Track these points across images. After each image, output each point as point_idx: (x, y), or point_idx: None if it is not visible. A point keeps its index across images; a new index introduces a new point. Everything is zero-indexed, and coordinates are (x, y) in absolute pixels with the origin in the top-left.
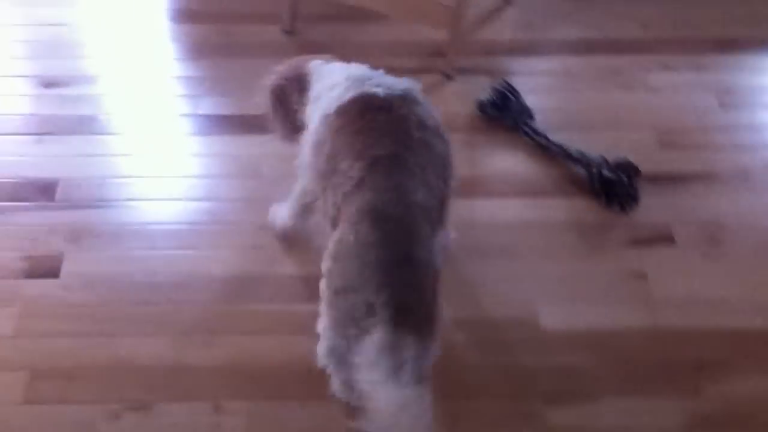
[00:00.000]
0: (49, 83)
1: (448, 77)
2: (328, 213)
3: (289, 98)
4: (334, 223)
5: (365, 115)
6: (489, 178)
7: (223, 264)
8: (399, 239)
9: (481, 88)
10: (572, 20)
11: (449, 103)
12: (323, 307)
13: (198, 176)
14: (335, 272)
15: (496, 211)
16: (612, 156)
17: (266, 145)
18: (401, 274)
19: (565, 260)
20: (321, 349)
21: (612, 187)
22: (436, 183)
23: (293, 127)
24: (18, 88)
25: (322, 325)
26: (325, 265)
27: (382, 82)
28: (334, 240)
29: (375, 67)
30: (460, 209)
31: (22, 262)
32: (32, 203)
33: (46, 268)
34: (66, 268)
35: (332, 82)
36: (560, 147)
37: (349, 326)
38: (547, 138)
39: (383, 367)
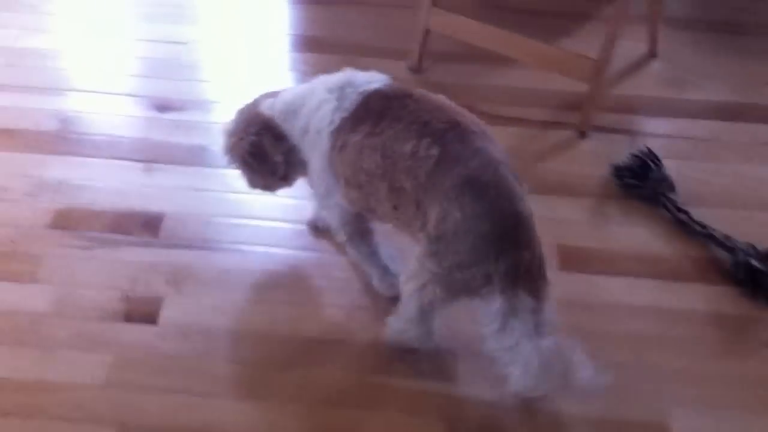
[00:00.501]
0: (162, 106)
1: (582, 134)
2: (384, 209)
3: (267, 151)
4: (418, 205)
5: (392, 104)
6: (619, 253)
7: (327, 324)
8: (503, 204)
9: (617, 150)
10: (722, 80)
11: (581, 163)
12: (415, 285)
13: None
14: (445, 251)
15: (624, 292)
16: (761, 243)
17: None
18: (514, 238)
19: (701, 357)
20: (409, 310)
21: (760, 278)
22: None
23: (284, 175)
24: (130, 109)
25: (410, 290)
26: (428, 248)
27: (367, 80)
28: (435, 220)
29: (500, 117)
30: (579, 285)
31: (120, 303)
32: (135, 238)
33: (144, 313)
34: (164, 314)
35: (315, 103)
36: (703, 226)
37: (462, 297)
38: (688, 214)
39: (515, 331)
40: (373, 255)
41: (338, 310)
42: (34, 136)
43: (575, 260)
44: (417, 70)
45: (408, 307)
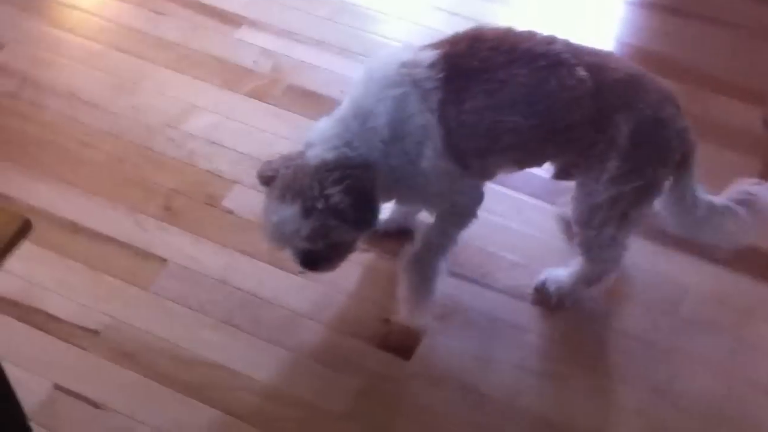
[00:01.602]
0: None
1: None
2: (548, 153)
3: (366, 189)
4: (597, 128)
5: (473, 57)
6: None
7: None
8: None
9: None
10: None
11: None
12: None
13: None
14: (647, 157)
15: None
16: None
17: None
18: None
19: None
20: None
21: None
22: None
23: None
24: None
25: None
26: (622, 164)
27: (408, 54)
28: (628, 131)
29: None
30: None
31: (379, 324)
32: None
33: (400, 344)
34: (420, 351)
35: (390, 106)
36: None
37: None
38: None
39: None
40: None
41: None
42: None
43: None
44: None
45: (613, 253)
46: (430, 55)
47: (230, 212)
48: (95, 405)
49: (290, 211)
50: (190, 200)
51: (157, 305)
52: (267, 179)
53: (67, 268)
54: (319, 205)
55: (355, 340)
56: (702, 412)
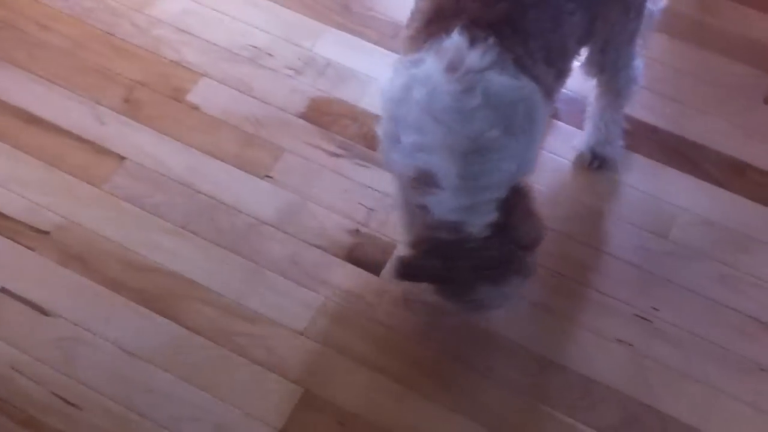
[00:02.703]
0: None
1: None
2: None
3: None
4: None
5: None
6: None
7: None
8: None
9: None
10: None
11: None
12: None
13: None
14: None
15: None
16: None
17: None
18: None
19: None
20: None
21: None
22: None
23: None
24: None
25: None
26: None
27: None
28: None
29: None
30: None
31: (348, 236)
32: None
33: (371, 258)
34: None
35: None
36: None
37: None
38: None
39: None
40: None
41: None
42: None
43: None
44: None
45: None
46: (459, 40)
47: (196, 108)
48: (42, 311)
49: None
50: (153, 93)
51: (112, 206)
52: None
53: (18, 161)
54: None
55: (320, 252)
56: (687, 341)
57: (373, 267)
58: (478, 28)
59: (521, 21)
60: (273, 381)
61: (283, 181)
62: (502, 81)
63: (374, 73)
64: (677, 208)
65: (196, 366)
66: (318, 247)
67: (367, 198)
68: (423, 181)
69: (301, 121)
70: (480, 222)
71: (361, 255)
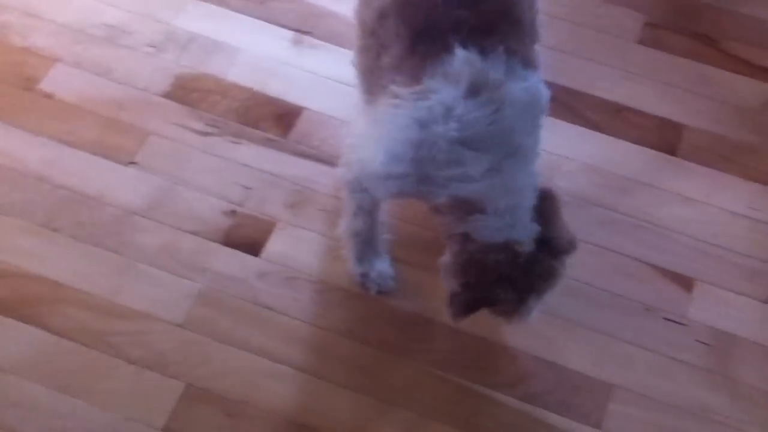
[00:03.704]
0: None
1: None
2: None
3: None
4: None
5: None
6: None
7: None
8: None
9: None
10: None
11: None
12: None
13: None
14: None
15: None
16: None
17: None
18: None
19: None
20: None
21: None
22: None
23: None
24: None
25: None
26: None
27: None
28: None
29: None
30: None
31: (224, 218)
32: (261, 133)
33: (249, 239)
34: (270, 247)
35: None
36: None
37: None
38: None
39: None
40: None
41: None
42: None
43: None
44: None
45: None
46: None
47: (49, 96)
48: None
49: None
50: (2, 84)
51: None
52: None
53: None
54: None
55: (195, 238)
56: (576, 289)
57: (252, 248)
58: (480, 38)
59: (513, 12)
60: (152, 379)
61: (150, 166)
62: (518, 86)
63: (242, 43)
64: (560, 157)
65: (67, 373)
66: (192, 233)
67: (242, 176)
68: (462, 209)
69: (166, 101)
70: (525, 236)
71: (240, 237)
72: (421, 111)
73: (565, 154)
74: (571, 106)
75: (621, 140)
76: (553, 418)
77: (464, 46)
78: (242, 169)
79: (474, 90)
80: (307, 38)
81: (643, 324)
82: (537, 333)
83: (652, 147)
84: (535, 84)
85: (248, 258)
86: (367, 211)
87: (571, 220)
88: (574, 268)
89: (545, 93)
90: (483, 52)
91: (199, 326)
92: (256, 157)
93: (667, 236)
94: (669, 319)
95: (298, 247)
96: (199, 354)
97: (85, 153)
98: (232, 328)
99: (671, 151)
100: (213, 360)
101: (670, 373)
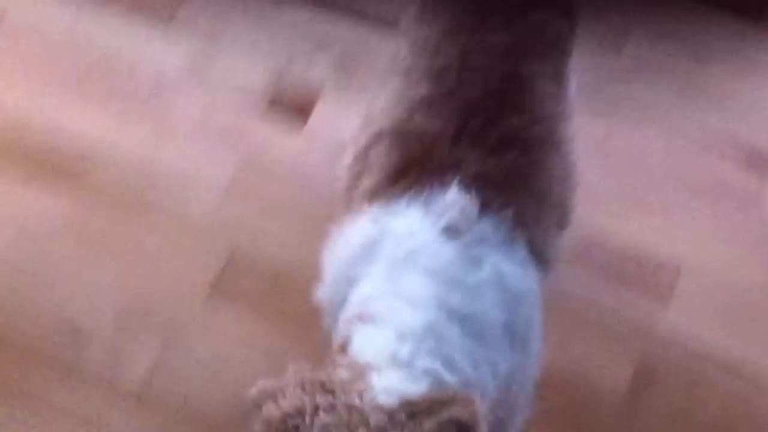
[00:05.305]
0: None
1: None
2: None
3: None
4: None
5: None
6: None
7: None
8: None
9: None
10: None
11: None
12: None
13: None
14: None
15: None
16: None
17: None
18: None
19: None
20: None
21: None
22: None
23: None
24: None
25: None
26: None
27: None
28: None
29: None
30: None
31: (266, 85)
32: None
33: (294, 107)
34: (314, 118)
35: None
36: None
37: None
38: None
39: None
40: None
41: None
42: None
43: None
44: None
45: None
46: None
47: None
48: None
49: None
50: None
51: None
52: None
53: None
54: None
55: (237, 109)
56: None
57: (297, 114)
58: (484, 186)
59: (535, 177)
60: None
61: (190, 26)
62: (510, 267)
63: None
64: None
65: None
66: (234, 96)
67: (282, 38)
68: None
69: None
70: None
71: (285, 101)
72: (377, 228)
73: None
74: None
75: None
76: None
77: (465, 189)
78: (291, 33)
79: (452, 230)
80: None
81: None
82: None
83: None
84: (530, 279)
85: (294, 125)
86: None
87: None
88: None
89: (537, 302)
90: (485, 205)
91: (240, 192)
92: (306, 20)
93: None
94: None
95: (346, 115)
96: (242, 227)
97: (121, 8)
98: (275, 195)
99: None
100: (259, 234)
101: None
